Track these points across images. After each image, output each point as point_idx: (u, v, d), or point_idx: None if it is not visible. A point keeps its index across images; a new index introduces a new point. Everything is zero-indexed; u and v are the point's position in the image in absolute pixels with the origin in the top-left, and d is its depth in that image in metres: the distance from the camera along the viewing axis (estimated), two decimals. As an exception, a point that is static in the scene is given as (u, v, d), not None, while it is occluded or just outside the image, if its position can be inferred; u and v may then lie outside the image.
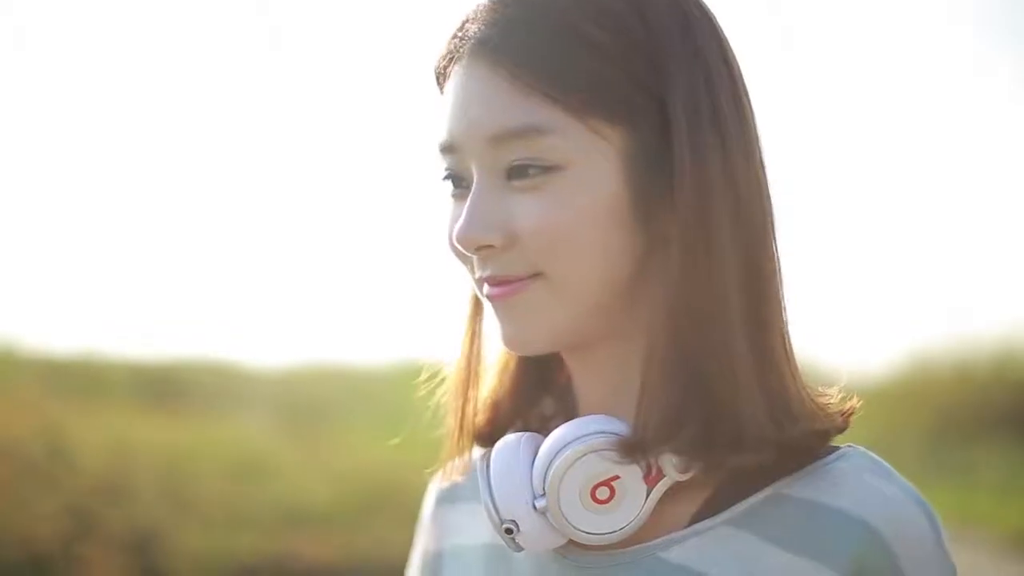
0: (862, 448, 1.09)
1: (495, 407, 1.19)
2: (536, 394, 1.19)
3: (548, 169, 1.05)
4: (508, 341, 1.10)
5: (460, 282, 1.16)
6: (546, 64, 1.04)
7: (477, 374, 1.18)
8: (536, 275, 1.06)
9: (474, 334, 1.18)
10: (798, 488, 1.07)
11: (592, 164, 1.05)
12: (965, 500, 10.09)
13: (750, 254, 1.07)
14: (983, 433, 11.61)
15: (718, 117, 1.07)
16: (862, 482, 1.06)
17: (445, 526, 1.24)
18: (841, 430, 1.09)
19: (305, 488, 7.17)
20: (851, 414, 1.10)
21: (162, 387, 10.91)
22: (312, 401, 11.17)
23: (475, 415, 1.18)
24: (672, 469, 1.06)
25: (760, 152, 1.10)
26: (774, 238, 1.10)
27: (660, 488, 1.07)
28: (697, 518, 1.09)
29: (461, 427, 1.18)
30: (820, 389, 1.11)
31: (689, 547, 1.08)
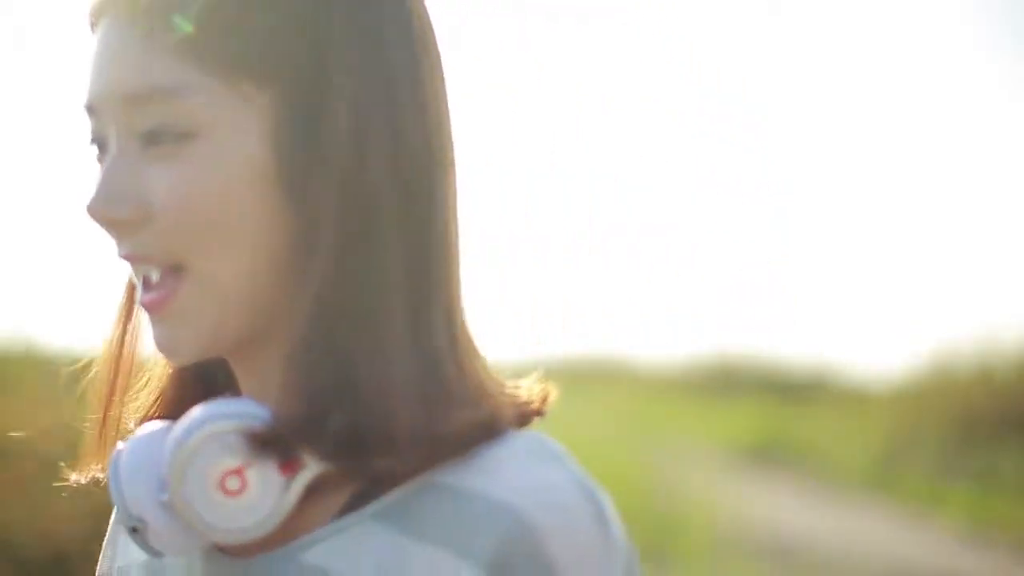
0: (534, 432, 0.99)
1: (159, 401, 1.07)
2: (204, 387, 1.06)
3: (183, 135, 0.94)
4: (159, 348, 1.00)
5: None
6: (183, 19, 0.94)
7: (130, 364, 1.07)
8: (178, 269, 0.96)
9: (129, 316, 1.07)
10: (449, 476, 0.96)
11: (234, 131, 0.95)
12: (985, 502, 10.07)
13: (416, 228, 0.97)
14: (1004, 435, 11.58)
15: (388, 78, 0.97)
16: (517, 467, 0.95)
17: (115, 544, 1.14)
18: (522, 423, 0.99)
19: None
20: (539, 406, 1.01)
21: (181, 386, 10.94)
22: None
23: (123, 411, 1.07)
24: (312, 459, 0.95)
25: (445, 117, 1.00)
26: (451, 212, 0.99)
27: (302, 479, 0.96)
28: (344, 511, 0.98)
29: (105, 423, 1.07)
30: (507, 380, 1.01)
31: (329, 546, 0.97)
